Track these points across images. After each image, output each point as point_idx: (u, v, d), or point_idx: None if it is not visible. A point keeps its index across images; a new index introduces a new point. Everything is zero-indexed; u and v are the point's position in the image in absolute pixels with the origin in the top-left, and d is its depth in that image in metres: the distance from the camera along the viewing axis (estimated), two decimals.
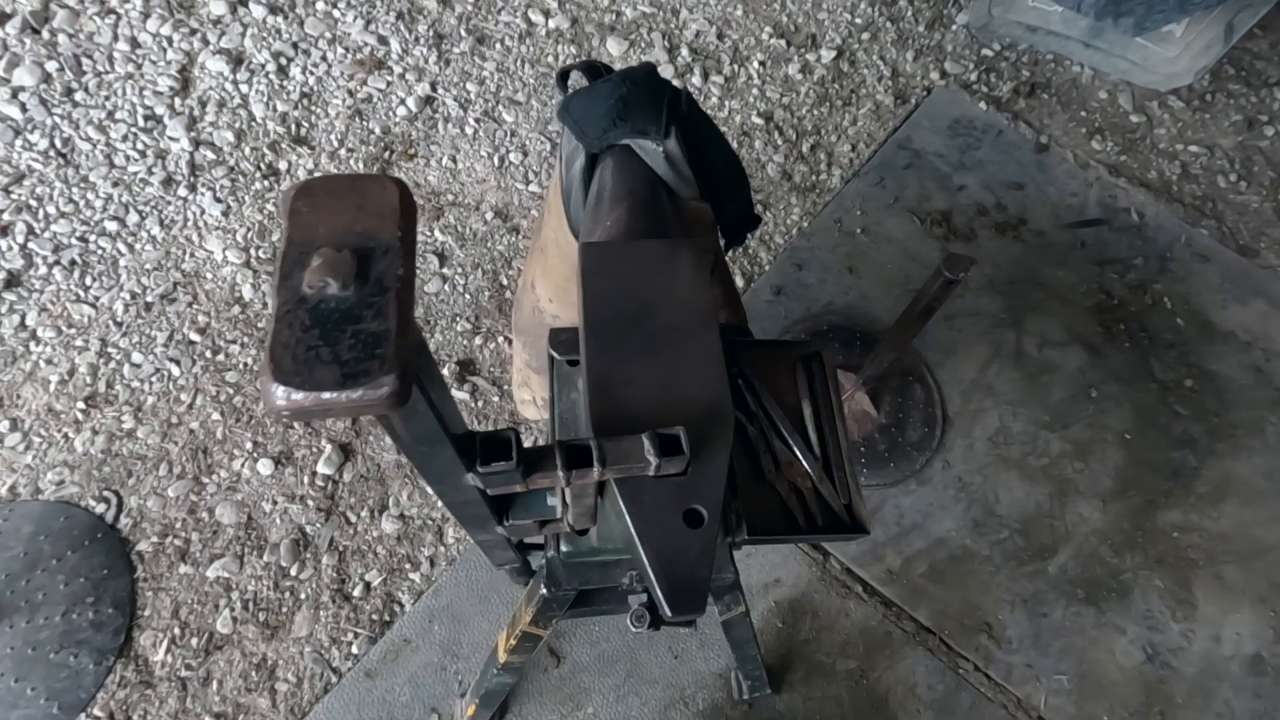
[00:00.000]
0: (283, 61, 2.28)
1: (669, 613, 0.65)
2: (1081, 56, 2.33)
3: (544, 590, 0.99)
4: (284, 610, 1.56)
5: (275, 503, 1.65)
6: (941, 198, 2.26)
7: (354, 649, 1.53)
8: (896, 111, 2.45)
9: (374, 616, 1.56)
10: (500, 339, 1.93)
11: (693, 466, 0.71)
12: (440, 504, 1.68)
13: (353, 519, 1.66)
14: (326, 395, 0.34)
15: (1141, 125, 2.52)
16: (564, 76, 1.03)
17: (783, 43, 2.56)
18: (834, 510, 1.10)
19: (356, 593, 1.58)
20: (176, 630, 1.51)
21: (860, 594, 1.67)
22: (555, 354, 1.03)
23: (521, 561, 1.13)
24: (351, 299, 0.36)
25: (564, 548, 0.94)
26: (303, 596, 1.57)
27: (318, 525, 1.64)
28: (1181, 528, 1.80)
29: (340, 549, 1.62)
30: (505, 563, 1.02)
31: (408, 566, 1.62)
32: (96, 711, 1.44)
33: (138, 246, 1.93)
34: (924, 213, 2.23)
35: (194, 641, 1.51)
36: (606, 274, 0.81)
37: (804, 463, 1.14)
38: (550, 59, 2.42)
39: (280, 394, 0.34)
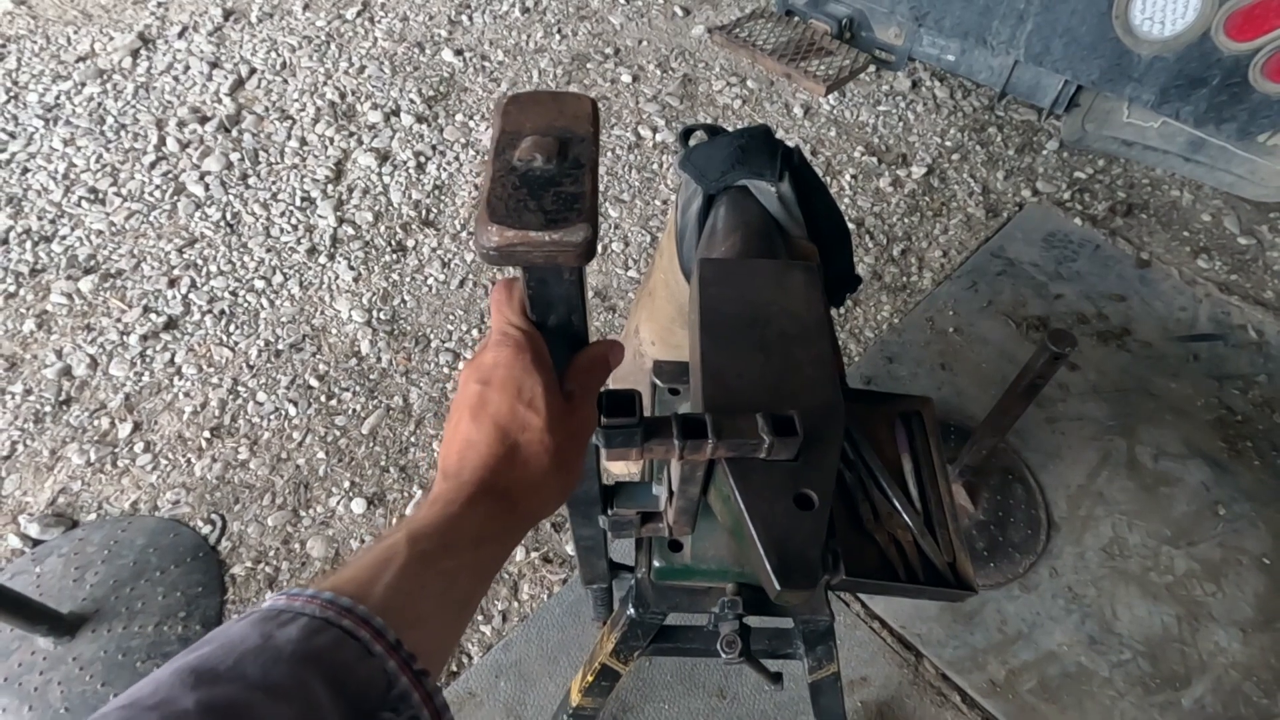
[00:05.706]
0: (422, 159, 2.59)
1: (778, 585, 0.63)
2: (1183, 170, 2.34)
3: (630, 612, 0.96)
4: None
5: (363, 541, 1.69)
6: (1038, 304, 2.24)
7: None
8: (988, 223, 2.50)
9: None
10: None
11: (803, 456, 0.72)
12: (518, 557, 1.68)
13: None
14: (532, 234, 0.40)
15: (1252, 247, 2.46)
16: (687, 134, 1.15)
17: (874, 159, 2.71)
18: (937, 567, 1.05)
19: None
20: None
21: (959, 705, 1.51)
22: (658, 381, 1.07)
23: (609, 586, 1.11)
24: (554, 170, 0.43)
25: (656, 563, 0.92)
26: None
27: None
28: None
29: None
30: (595, 579, 1.01)
31: (479, 618, 1.60)
32: None
33: (278, 302, 2.15)
34: (1020, 317, 2.21)
35: None
36: (723, 283, 0.86)
37: (904, 515, 1.10)
38: (655, 166, 2.65)
39: (494, 231, 0.40)
